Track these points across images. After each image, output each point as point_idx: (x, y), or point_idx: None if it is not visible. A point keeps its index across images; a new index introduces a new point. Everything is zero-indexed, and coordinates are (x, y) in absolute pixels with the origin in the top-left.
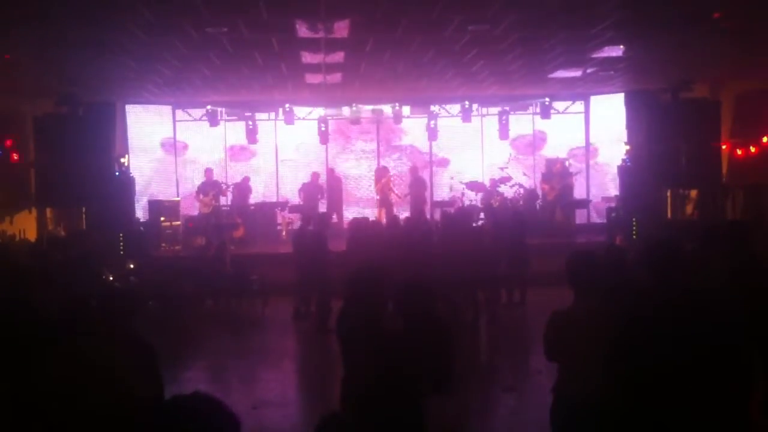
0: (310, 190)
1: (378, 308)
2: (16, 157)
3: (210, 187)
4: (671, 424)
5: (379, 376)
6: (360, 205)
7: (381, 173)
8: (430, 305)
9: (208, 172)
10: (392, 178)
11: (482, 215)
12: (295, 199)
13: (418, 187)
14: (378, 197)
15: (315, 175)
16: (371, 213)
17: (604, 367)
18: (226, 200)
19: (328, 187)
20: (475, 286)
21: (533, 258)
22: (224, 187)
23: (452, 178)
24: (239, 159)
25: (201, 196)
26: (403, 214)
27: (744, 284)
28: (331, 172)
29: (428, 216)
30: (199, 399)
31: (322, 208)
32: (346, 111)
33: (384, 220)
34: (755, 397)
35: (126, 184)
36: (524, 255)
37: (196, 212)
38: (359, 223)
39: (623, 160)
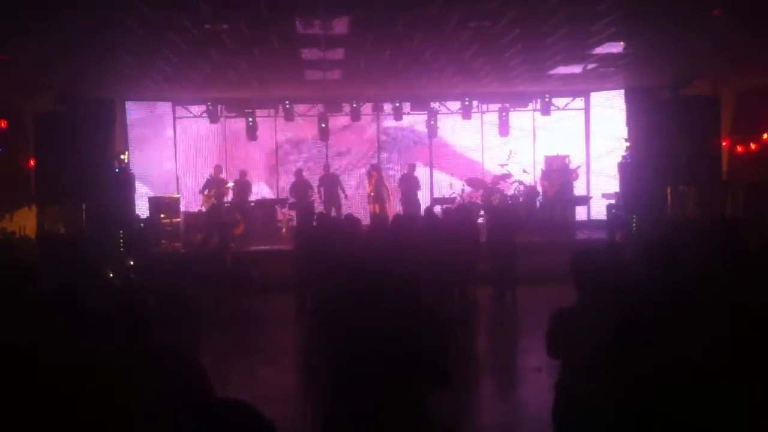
0: (299, 188)
1: (375, 304)
2: (16, 154)
3: (214, 184)
4: (674, 422)
5: (375, 372)
6: (357, 202)
7: (373, 170)
8: (416, 297)
9: (216, 168)
10: (385, 175)
11: (482, 212)
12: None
13: (410, 184)
14: (372, 194)
15: (299, 173)
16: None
17: (607, 365)
18: (227, 198)
19: (324, 184)
20: (462, 283)
21: (530, 256)
22: (227, 184)
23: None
24: (238, 156)
25: (206, 192)
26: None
27: (741, 282)
28: (327, 168)
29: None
30: (233, 405)
31: (317, 204)
32: (346, 108)
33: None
34: (754, 395)
35: (126, 180)
36: (512, 252)
37: (196, 209)
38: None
39: (623, 157)
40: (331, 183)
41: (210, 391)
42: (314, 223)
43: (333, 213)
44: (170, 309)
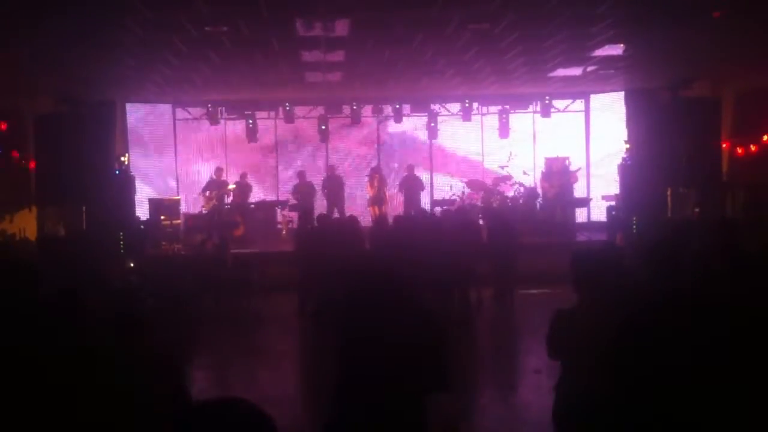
0: (302, 189)
1: (376, 305)
2: (16, 155)
3: (215, 186)
4: (674, 423)
5: (376, 373)
6: (359, 203)
7: (375, 173)
8: (417, 298)
9: (218, 170)
10: (386, 177)
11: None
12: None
13: (413, 185)
14: (373, 197)
15: (302, 174)
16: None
17: (607, 366)
18: (227, 199)
19: (329, 185)
20: (462, 284)
21: (530, 257)
22: (229, 186)
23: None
24: (239, 158)
25: (207, 193)
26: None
27: (741, 283)
28: (331, 170)
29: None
30: (233, 403)
31: (319, 205)
32: (346, 110)
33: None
34: (754, 396)
35: (126, 182)
36: (512, 254)
37: (196, 210)
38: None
39: (623, 159)
40: (335, 185)
41: (185, 393)
42: (315, 224)
43: (336, 215)
44: (170, 310)
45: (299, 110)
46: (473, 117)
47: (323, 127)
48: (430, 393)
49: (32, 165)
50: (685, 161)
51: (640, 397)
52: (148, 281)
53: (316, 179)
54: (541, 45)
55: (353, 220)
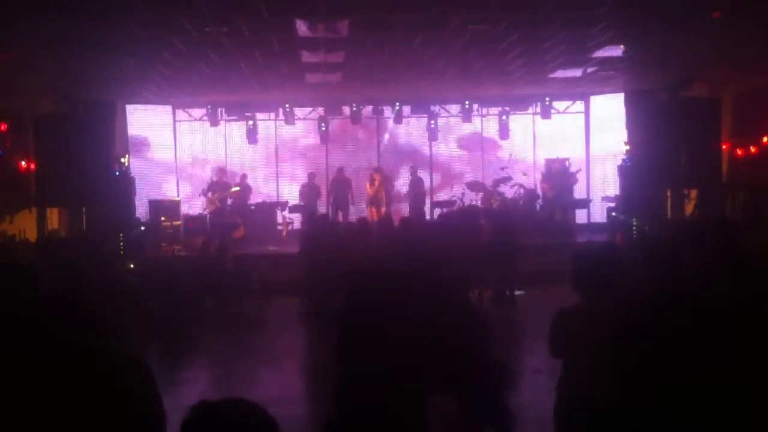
0: (308, 190)
1: (386, 306)
2: (17, 159)
3: (217, 188)
4: (674, 423)
5: (379, 374)
6: (361, 205)
7: (376, 173)
8: (464, 297)
9: (220, 171)
10: (387, 178)
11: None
12: (294, 199)
13: (417, 187)
14: (369, 196)
15: (311, 175)
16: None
17: (608, 365)
18: (229, 201)
19: (336, 187)
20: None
21: (530, 258)
22: (232, 188)
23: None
24: (239, 159)
25: (209, 194)
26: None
27: (741, 284)
28: (340, 172)
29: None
30: (236, 404)
31: (322, 207)
32: (346, 111)
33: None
34: (754, 397)
35: (126, 183)
36: (513, 255)
37: (197, 212)
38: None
39: (623, 160)
40: (342, 186)
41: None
42: (314, 225)
43: (340, 217)
44: (170, 311)
45: (299, 111)
46: (473, 118)
47: (323, 128)
48: (431, 394)
49: (32, 166)
50: (685, 162)
51: (641, 398)
52: (148, 282)
53: (317, 180)
54: (541, 46)
55: (363, 221)
